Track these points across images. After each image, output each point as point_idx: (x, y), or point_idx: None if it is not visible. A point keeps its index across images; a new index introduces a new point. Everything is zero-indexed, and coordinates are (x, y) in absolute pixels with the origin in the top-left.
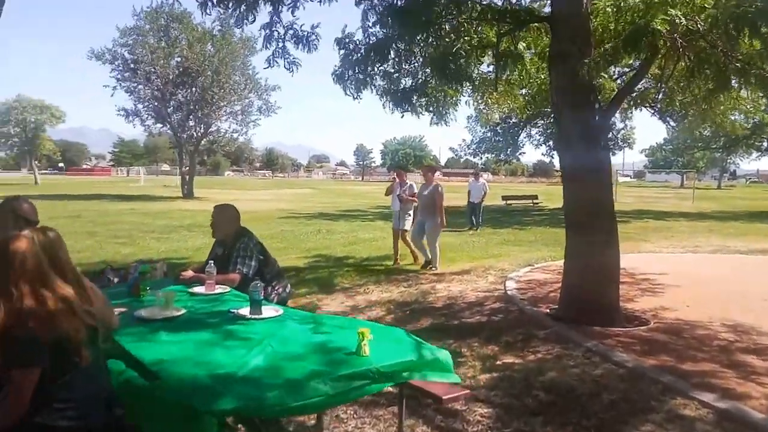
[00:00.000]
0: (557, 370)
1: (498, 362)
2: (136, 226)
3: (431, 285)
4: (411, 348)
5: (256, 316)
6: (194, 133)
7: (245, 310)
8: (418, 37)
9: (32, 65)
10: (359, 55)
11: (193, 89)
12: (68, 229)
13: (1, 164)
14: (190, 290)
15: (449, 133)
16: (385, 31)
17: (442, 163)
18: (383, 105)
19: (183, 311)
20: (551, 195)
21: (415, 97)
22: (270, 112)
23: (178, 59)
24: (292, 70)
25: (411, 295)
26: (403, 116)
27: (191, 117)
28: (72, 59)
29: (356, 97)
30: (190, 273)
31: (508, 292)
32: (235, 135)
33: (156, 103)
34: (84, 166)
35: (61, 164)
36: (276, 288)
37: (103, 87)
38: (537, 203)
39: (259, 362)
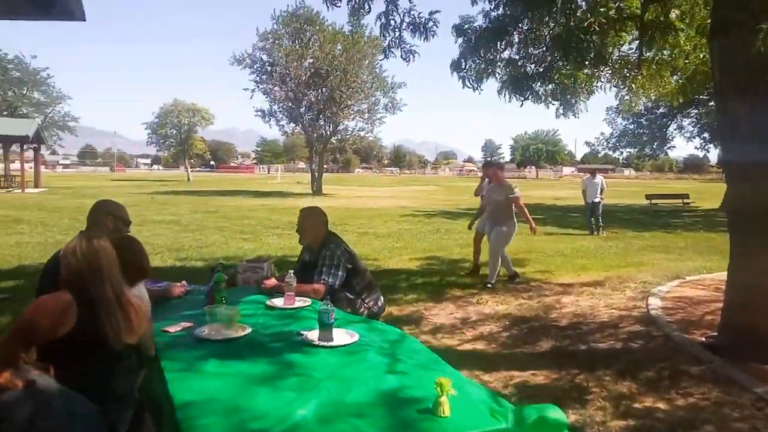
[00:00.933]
0: (716, 422)
1: (636, 405)
2: (262, 222)
3: (556, 298)
4: (502, 409)
5: (325, 343)
6: (324, 132)
7: (315, 333)
8: (544, 13)
9: (186, 69)
10: (480, 40)
11: (323, 89)
12: (203, 224)
13: (164, 162)
14: (267, 302)
15: (585, 126)
16: (507, 11)
17: (578, 158)
18: (502, 94)
19: (248, 330)
20: (704, 194)
21: (538, 84)
22: (395, 110)
23: (311, 60)
24: (409, 60)
25: (531, 309)
26: (522, 104)
27: (321, 116)
28: (220, 62)
29: (476, 89)
30: (272, 282)
31: (651, 312)
32: (362, 133)
33: (290, 104)
34: (231, 164)
35: (212, 162)
36: (366, 301)
37: (243, 90)
38: (688, 203)
39: (306, 414)
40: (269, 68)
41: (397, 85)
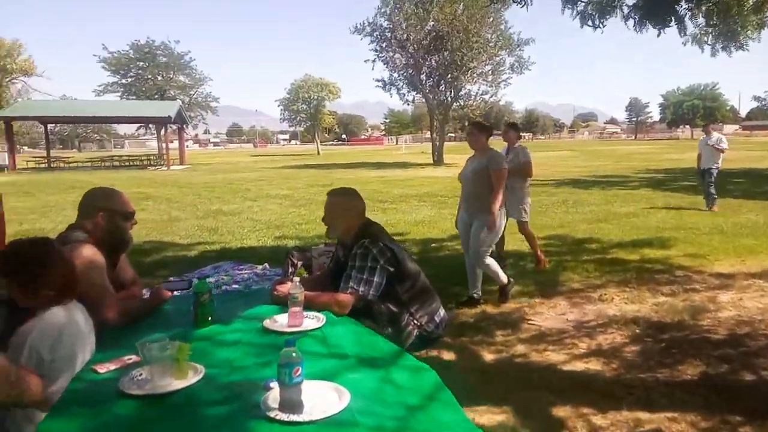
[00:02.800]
0: None
1: None
2: (372, 196)
3: (710, 295)
4: None
5: (285, 417)
6: (445, 98)
7: (291, 395)
8: None
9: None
10: None
11: (444, 53)
12: (314, 198)
13: (301, 138)
14: (266, 321)
15: (754, 79)
16: None
17: (742, 114)
18: (629, 21)
19: (196, 378)
20: None
21: (683, 3)
22: (523, 69)
23: (432, 23)
24: (524, 4)
25: (673, 310)
26: (659, 35)
27: (442, 82)
28: (344, 36)
29: (597, 26)
30: (286, 287)
31: None
32: (485, 97)
33: (410, 71)
34: (362, 137)
35: (343, 135)
36: (416, 315)
37: (363, 62)
38: None
39: None
40: (389, 35)
41: (524, 42)
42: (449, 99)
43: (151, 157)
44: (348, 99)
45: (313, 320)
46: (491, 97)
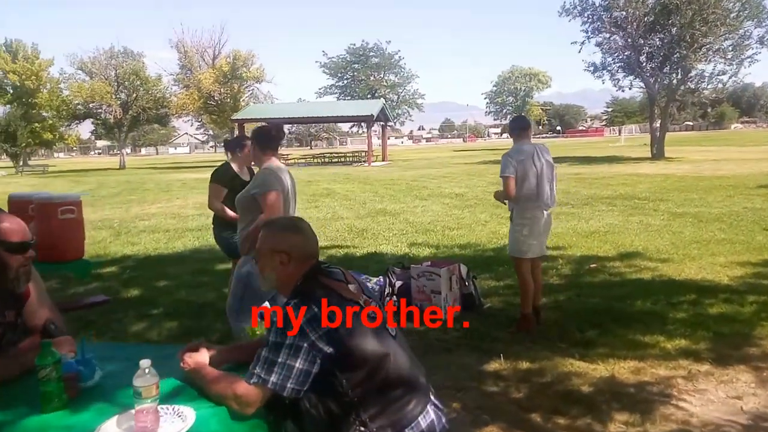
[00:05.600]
0: None
1: None
2: (560, 197)
3: None
4: None
5: None
6: (669, 82)
7: None
8: None
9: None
10: None
11: (672, 30)
12: (484, 198)
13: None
14: (102, 427)
15: None
16: None
17: None
18: None
19: None
20: None
21: None
22: None
23: None
24: None
25: None
26: None
27: (666, 63)
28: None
29: None
30: (194, 360)
31: None
32: (723, 78)
33: (627, 53)
34: (579, 128)
35: (558, 127)
36: (373, 427)
37: (570, 44)
38: None
39: None
40: (603, 13)
41: None
42: (675, 82)
43: (359, 154)
44: (568, 88)
45: (174, 422)
46: (731, 77)
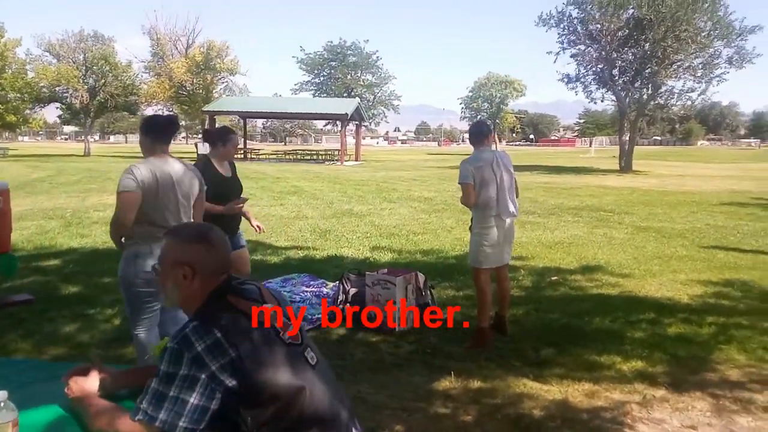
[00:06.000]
0: None
1: None
2: (523, 206)
3: None
4: None
5: None
6: (640, 97)
7: None
8: None
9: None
10: None
11: (643, 45)
12: (455, 203)
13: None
14: None
15: None
16: None
17: None
18: None
19: None
20: None
21: None
22: (743, 63)
23: (631, 11)
24: None
25: None
26: None
27: (638, 78)
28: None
29: None
30: (78, 386)
31: None
32: (692, 95)
33: (601, 65)
34: (552, 138)
35: (531, 136)
36: None
37: (546, 54)
38: None
39: None
40: (578, 26)
41: (747, 30)
42: (645, 97)
43: (331, 153)
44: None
45: None
46: (700, 95)
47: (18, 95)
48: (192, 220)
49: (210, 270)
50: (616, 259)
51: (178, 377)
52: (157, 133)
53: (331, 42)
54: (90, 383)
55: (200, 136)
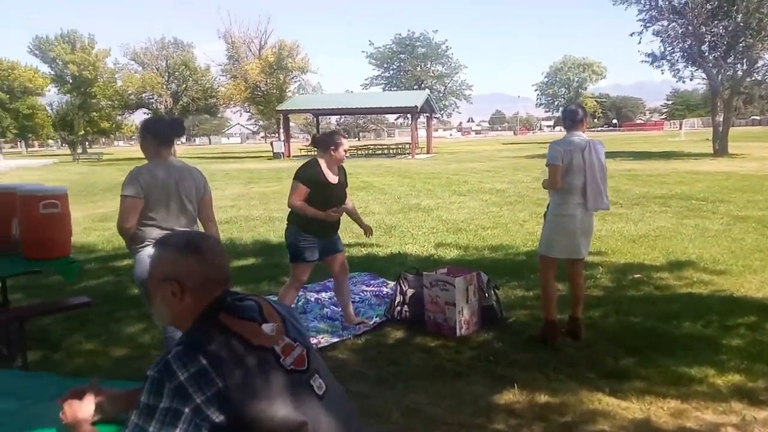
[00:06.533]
0: None
1: None
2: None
3: None
4: None
5: None
6: (734, 73)
7: None
8: None
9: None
10: None
11: (737, 17)
12: (526, 195)
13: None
14: None
15: None
16: None
17: None
18: None
19: None
20: None
21: None
22: None
23: None
24: None
25: None
26: None
27: (731, 53)
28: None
29: None
30: (72, 411)
31: None
32: None
33: (688, 41)
34: (637, 121)
35: (614, 120)
36: None
37: (629, 36)
38: None
39: None
40: (661, 1)
41: None
42: (740, 73)
43: (402, 146)
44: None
45: None
46: None
47: (109, 103)
48: (198, 223)
49: (201, 285)
50: (710, 254)
51: (158, 410)
52: (163, 137)
53: (400, 34)
54: (84, 409)
55: (276, 136)
